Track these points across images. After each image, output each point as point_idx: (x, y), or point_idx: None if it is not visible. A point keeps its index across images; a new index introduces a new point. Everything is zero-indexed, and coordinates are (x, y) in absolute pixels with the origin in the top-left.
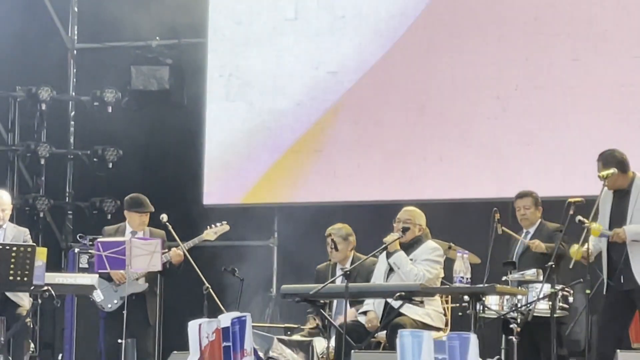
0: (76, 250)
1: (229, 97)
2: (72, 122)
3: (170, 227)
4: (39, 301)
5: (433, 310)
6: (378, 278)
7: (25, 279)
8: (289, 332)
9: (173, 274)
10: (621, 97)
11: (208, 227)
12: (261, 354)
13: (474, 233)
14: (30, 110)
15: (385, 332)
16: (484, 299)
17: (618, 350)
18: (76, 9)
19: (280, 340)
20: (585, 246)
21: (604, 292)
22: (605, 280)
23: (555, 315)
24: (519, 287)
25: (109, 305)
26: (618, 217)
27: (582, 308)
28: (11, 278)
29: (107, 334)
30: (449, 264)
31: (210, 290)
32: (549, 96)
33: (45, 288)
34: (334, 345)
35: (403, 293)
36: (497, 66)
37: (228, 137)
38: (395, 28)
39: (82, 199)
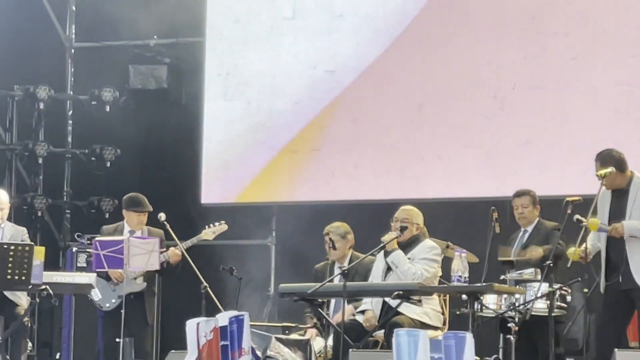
0: (74, 249)
1: (227, 96)
2: (70, 121)
3: (168, 226)
4: (37, 300)
5: (431, 309)
6: (376, 277)
7: (23, 278)
8: (287, 331)
9: (171, 273)
10: (619, 96)
11: (206, 226)
12: (259, 353)
13: (472, 232)
14: (28, 109)
15: (383, 331)
16: (482, 298)
17: (616, 350)
18: (74, 8)
19: (278, 339)
20: (583, 246)
21: (602, 292)
22: (602, 281)
23: (553, 315)
24: (517, 286)
25: (107, 305)
26: (617, 216)
27: (580, 307)
28: (9, 277)
29: (105, 333)
30: (447, 263)
31: (209, 289)
32: (547, 95)
33: (43, 287)
34: (331, 344)
35: (401, 292)
36: (495, 65)
37: (226, 136)
38: (393, 27)
39: (80, 198)
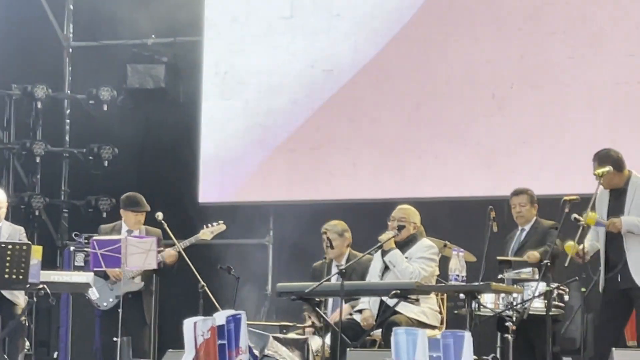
0: (72, 248)
1: (224, 95)
2: (68, 120)
3: (165, 225)
4: (35, 299)
5: (428, 309)
6: (373, 276)
7: (21, 277)
8: (284, 330)
9: (167, 273)
10: (617, 95)
11: (204, 226)
12: (256, 352)
13: (470, 231)
14: (25, 109)
15: (380, 330)
16: (479, 297)
17: (613, 349)
18: (72, 7)
19: (276, 339)
20: (580, 246)
21: (601, 291)
22: (601, 280)
23: (550, 314)
24: (515, 286)
25: (105, 304)
26: (615, 215)
27: (577, 306)
28: (7, 276)
29: (103, 332)
30: (444, 262)
31: (206, 288)
32: (545, 94)
33: (41, 286)
34: (329, 343)
35: (399, 291)
36: (492, 64)
37: (224, 135)
38: (390, 26)
39: (77, 197)
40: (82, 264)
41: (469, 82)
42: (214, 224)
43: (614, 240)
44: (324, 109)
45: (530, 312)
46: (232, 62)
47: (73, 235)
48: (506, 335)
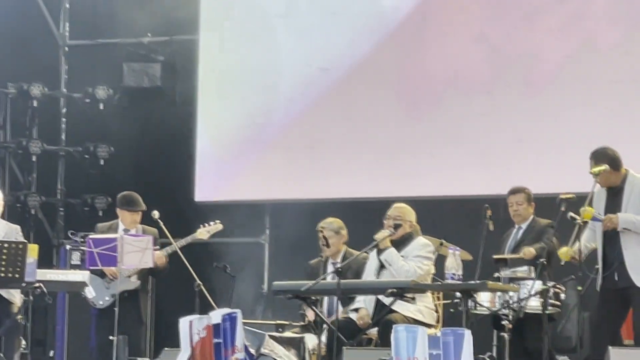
0: (67, 247)
1: (220, 94)
2: (64, 119)
3: (161, 224)
4: (31, 298)
5: (424, 307)
6: (369, 275)
7: (17, 275)
8: (280, 329)
9: (157, 275)
10: (612, 93)
11: (201, 225)
12: (252, 351)
13: (466, 230)
14: (21, 107)
15: (376, 328)
16: (475, 295)
17: (610, 347)
18: (68, 6)
19: (272, 337)
20: (576, 245)
21: (598, 289)
22: (599, 278)
23: (546, 312)
24: (511, 284)
25: (101, 302)
26: (612, 213)
27: (573, 305)
28: (3, 275)
29: (99, 331)
30: (440, 261)
31: (202, 287)
32: (540, 92)
33: (37, 285)
34: (325, 341)
35: (394, 290)
36: (488, 63)
37: (220, 133)
38: (386, 24)
39: (73, 195)
40: (79, 262)
41: (465, 80)
42: (211, 223)
43: (611, 239)
44: (320, 107)
45: (527, 311)
46: (228, 60)
47: (69, 233)
48: (502, 333)
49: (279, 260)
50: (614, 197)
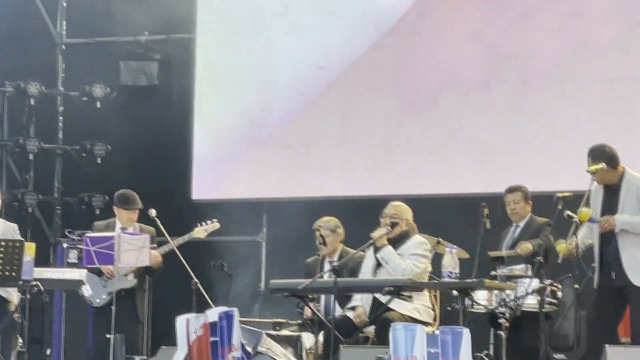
0: (65, 245)
1: (217, 92)
2: (61, 118)
3: (158, 222)
4: (28, 296)
5: (421, 305)
6: (366, 273)
7: (14, 274)
8: (277, 327)
9: (152, 274)
10: (610, 92)
11: (198, 224)
12: (249, 349)
13: (463, 228)
14: (18, 106)
15: (373, 326)
16: (472, 293)
17: (607, 346)
18: (65, 4)
19: (269, 335)
20: (572, 240)
21: (595, 287)
22: (596, 276)
23: (543, 310)
24: (508, 282)
25: (98, 301)
26: (609, 212)
27: (570, 303)
28: (0, 273)
29: (96, 329)
30: (437, 259)
31: (199, 285)
32: (538, 91)
33: (34, 283)
34: (322, 340)
35: (391, 288)
36: (485, 60)
37: (217, 132)
38: (383, 23)
39: (70, 194)
40: (76, 260)
41: (461, 79)
42: (208, 222)
43: (608, 238)
44: (317, 105)
45: (524, 309)
46: (225, 59)
47: (66, 232)
48: (499, 332)
49: (276, 258)
50: (611, 195)
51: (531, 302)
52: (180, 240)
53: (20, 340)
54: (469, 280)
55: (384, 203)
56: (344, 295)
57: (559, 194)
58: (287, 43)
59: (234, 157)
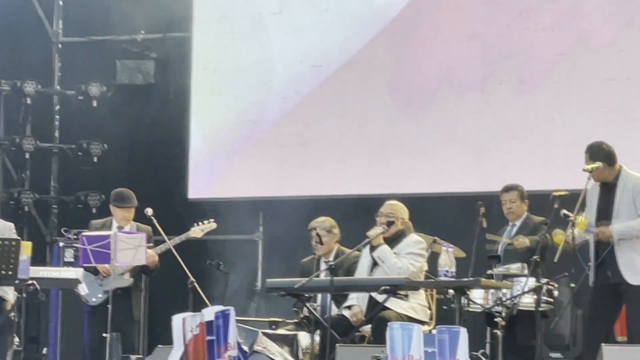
0: (61, 244)
1: (214, 91)
2: (57, 116)
3: (155, 221)
4: (24, 295)
5: (417, 304)
6: (362, 272)
7: (10, 272)
8: (273, 326)
9: (148, 274)
10: (606, 91)
11: (195, 224)
12: (246, 348)
13: (459, 227)
14: (15, 104)
15: (369, 325)
16: (468, 292)
17: (603, 345)
18: (61, 3)
19: (265, 334)
20: (569, 232)
21: (591, 285)
22: (591, 274)
23: (540, 309)
24: (504, 281)
25: (94, 299)
26: (605, 210)
27: (566, 302)
28: None
29: (92, 328)
30: (434, 258)
31: (195, 284)
32: (534, 90)
33: (30, 282)
34: (318, 339)
35: (388, 287)
36: (481, 60)
37: (213, 130)
38: (379, 22)
39: (67, 193)
40: (72, 259)
41: (457, 77)
42: (205, 222)
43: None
44: (313, 104)
45: (520, 308)
46: (222, 57)
47: (62, 231)
48: (496, 330)
49: (272, 257)
50: (607, 194)
51: (527, 301)
52: (177, 239)
53: (16, 339)
54: (465, 279)
55: (381, 202)
56: (340, 295)
57: (555, 193)
58: (283, 42)
59: (231, 156)
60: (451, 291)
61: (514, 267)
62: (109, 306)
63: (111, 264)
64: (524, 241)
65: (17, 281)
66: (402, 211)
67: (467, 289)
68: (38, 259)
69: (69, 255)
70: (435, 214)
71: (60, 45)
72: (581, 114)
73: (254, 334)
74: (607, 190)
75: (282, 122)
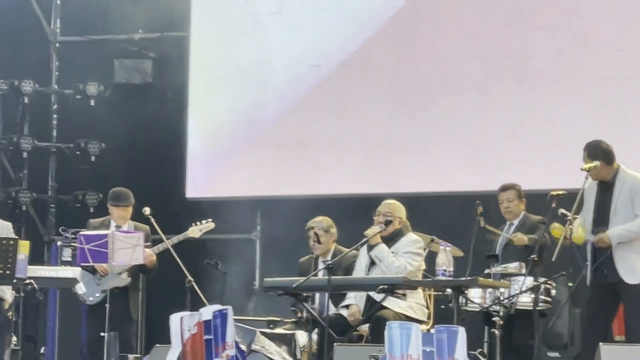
0: (59, 243)
1: (212, 91)
2: (55, 116)
3: (152, 220)
4: (22, 294)
5: (415, 303)
6: (359, 272)
7: (8, 272)
8: (271, 325)
9: (146, 273)
10: (604, 90)
11: (193, 224)
12: (243, 347)
13: (457, 226)
14: (13, 104)
15: (367, 325)
16: (466, 291)
17: (601, 344)
18: (59, 2)
19: (263, 333)
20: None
21: (588, 284)
22: (589, 273)
23: (537, 308)
24: (502, 280)
25: (91, 299)
26: (602, 209)
27: (564, 301)
28: None
29: (89, 327)
30: (431, 257)
31: (193, 283)
32: (532, 89)
33: (28, 281)
34: (316, 338)
35: (386, 286)
36: (480, 59)
37: (211, 130)
38: (378, 21)
39: (64, 192)
40: (70, 259)
41: (456, 77)
42: (203, 222)
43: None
44: (311, 103)
45: (518, 307)
46: (220, 57)
47: (60, 230)
48: (493, 330)
49: (270, 256)
50: (605, 192)
51: (525, 300)
52: (175, 239)
53: (14, 338)
54: (463, 278)
55: (379, 201)
56: (338, 294)
57: (553, 192)
58: (282, 41)
59: (228, 155)
60: (449, 290)
61: (512, 266)
62: (107, 305)
63: (109, 263)
64: (522, 238)
65: (14, 280)
66: (400, 210)
67: (464, 288)
68: (36, 258)
69: (66, 254)
70: (433, 213)
71: (58, 45)
72: (580, 113)
73: (252, 333)
74: (605, 189)
75: (280, 122)
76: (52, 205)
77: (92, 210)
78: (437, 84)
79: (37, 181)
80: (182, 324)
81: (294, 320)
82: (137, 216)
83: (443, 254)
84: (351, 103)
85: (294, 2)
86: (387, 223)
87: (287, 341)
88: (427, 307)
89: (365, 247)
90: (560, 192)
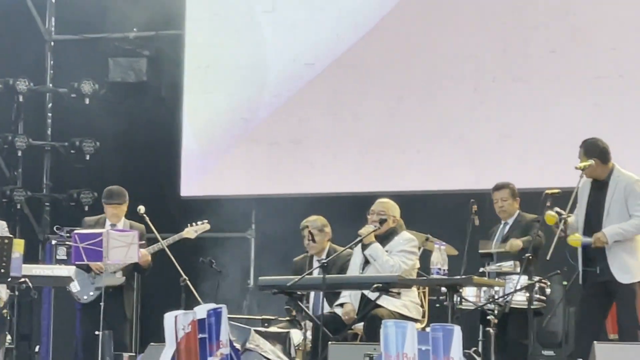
0: (53, 242)
1: (206, 89)
2: (50, 114)
3: (147, 219)
4: (16, 293)
5: (410, 302)
6: (354, 270)
7: (2, 270)
8: (266, 324)
9: (141, 273)
10: (599, 88)
11: (188, 225)
12: (238, 346)
13: (452, 225)
14: (7, 102)
15: (362, 323)
16: (461, 290)
17: (595, 342)
18: (53, 1)
19: (257, 332)
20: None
21: (581, 283)
22: (580, 270)
23: (532, 307)
24: (497, 279)
25: (85, 297)
26: (595, 207)
27: (559, 300)
28: None
29: (84, 325)
30: (426, 256)
31: (188, 282)
32: (527, 88)
33: (23, 280)
34: (310, 337)
35: (380, 285)
36: (474, 58)
37: (206, 128)
38: (372, 20)
39: (59, 190)
40: (64, 257)
41: (451, 75)
42: (199, 222)
43: (593, 233)
44: (306, 102)
45: (512, 306)
46: (214, 55)
47: (55, 228)
48: (488, 328)
49: (264, 255)
50: (599, 191)
51: (520, 299)
52: (170, 239)
53: (8, 337)
54: (458, 276)
55: (373, 199)
56: (332, 293)
57: (548, 191)
58: (276, 40)
59: (223, 153)
60: (443, 289)
61: (507, 265)
62: (102, 304)
63: (103, 262)
64: (517, 244)
65: (9, 279)
66: (394, 209)
67: (459, 287)
68: (30, 257)
69: (61, 253)
70: (428, 211)
71: (52, 43)
72: (574, 111)
73: (247, 332)
74: (599, 188)
75: (274, 120)
76: (47, 204)
77: (86, 208)
78: (431, 83)
79: (32, 180)
80: (176, 322)
81: (288, 318)
82: (131, 215)
83: (438, 253)
84: (346, 102)
85: (288, 1)
86: (381, 222)
87: (281, 340)
88: (422, 306)
89: (359, 246)
90: (555, 191)
